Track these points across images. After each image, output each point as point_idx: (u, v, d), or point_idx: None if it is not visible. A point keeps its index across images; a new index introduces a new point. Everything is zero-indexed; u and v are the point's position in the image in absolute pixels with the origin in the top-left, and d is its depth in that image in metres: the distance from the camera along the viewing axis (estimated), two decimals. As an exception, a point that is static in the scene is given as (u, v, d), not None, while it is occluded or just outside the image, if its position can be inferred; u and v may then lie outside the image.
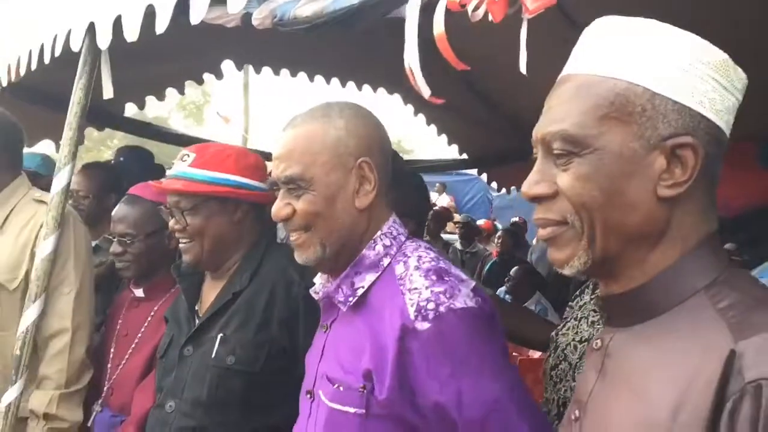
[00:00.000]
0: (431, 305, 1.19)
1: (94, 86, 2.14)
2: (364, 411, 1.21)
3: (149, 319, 2.15)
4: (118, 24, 1.90)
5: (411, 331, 1.18)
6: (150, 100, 4.03)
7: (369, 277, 1.30)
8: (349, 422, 1.23)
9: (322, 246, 1.31)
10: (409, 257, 1.29)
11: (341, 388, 1.24)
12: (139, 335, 2.14)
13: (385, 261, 1.31)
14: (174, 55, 3.51)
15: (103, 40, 1.99)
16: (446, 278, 1.24)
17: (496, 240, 7.24)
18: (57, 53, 2.12)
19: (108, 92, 2.08)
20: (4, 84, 2.53)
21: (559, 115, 0.88)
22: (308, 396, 1.36)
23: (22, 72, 2.35)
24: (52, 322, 2.11)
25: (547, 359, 1.73)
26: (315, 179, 1.29)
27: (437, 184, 11.04)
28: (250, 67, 4.20)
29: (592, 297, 1.64)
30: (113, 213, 2.23)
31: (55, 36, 2.14)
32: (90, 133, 4.70)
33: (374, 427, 1.21)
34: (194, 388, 1.72)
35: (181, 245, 1.81)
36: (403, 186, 2.15)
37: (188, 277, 1.89)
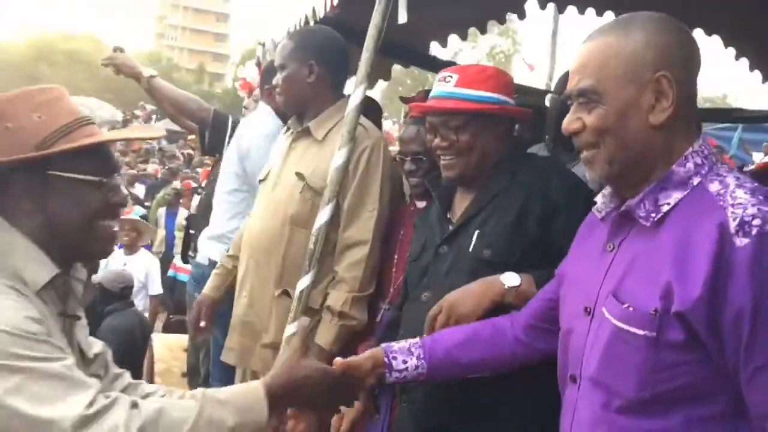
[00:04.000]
0: (757, 221, 1.12)
1: (401, 25, 2.23)
2: (654, 334, 1.18)
3: None
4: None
5: (729, 244, 1.13)
6: (465, 46, 4.17)
7: (675, 195, 1.25)
8: (636, 344, 1.21)
9: (610, 163, 1.28)
10: (726, 176, 1.23)
11: (631, 309, 1.22)
12: None
13: (695, 180, 1.25)
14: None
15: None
16: None
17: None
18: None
19: (402, 17, 2.20)
20: (321, 16, 2.78)
21: None
22: (586, 313, 1.34)
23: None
24: (354, 233, 2.38)
25: None
26: (607, 93, 1.25)
27: (765, 144, 9.60)
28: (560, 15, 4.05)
29: None
30: (402, 134, 2.39)
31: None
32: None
33: (663, 354, 1.18)
34: (451, 279, 1.83)
35: (443, 162, 1.92)
36: None
37: (442, 187, 2.03)
